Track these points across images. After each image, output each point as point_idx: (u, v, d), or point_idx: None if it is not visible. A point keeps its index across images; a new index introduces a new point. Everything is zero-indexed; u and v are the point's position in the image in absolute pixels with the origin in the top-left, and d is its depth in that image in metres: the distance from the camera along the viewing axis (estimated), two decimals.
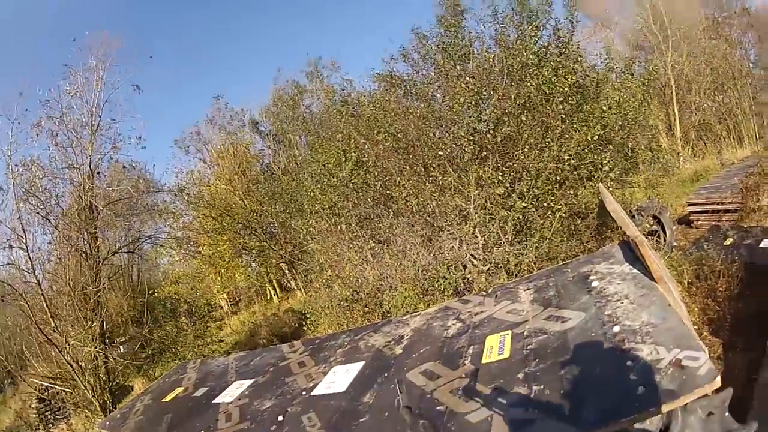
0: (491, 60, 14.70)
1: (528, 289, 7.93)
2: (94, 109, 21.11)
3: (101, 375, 19.40)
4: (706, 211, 17.69)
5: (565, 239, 12.69)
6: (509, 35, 15.61)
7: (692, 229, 17.55)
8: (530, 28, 14.96)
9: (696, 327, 9.15)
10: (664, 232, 14.94)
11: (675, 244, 14.95)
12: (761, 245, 12.31)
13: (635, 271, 6.70)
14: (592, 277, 7.09)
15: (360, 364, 7.90)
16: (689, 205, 18.31)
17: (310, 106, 34.63)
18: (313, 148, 20.68)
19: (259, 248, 30.82)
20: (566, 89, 13.48)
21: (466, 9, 16.59)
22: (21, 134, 19.80)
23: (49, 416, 21.86)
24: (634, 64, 18.07)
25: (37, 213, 20.12)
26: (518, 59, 14.03)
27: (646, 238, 11.57)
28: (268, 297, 36.26)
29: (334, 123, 18.39)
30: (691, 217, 18.07)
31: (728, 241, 13.14)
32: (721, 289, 10.36)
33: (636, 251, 6.83)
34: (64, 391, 19.99)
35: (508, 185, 13.08)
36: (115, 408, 16.63)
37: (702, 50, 36.85)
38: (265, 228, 31.36)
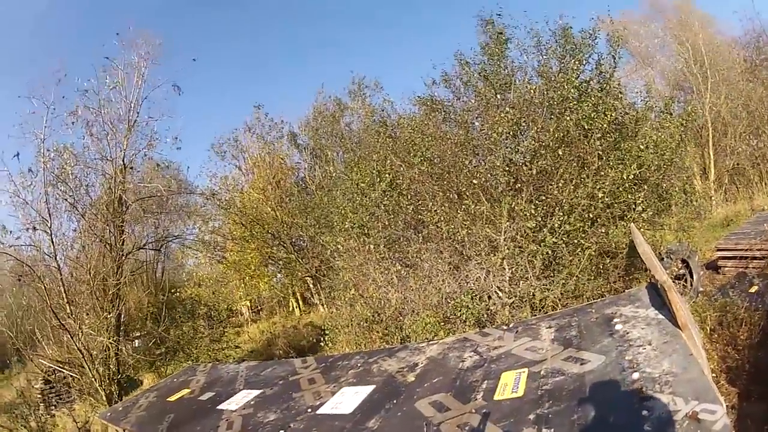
0: (532, 91, 14.52)
1: (549, 327, 7.85)
2: (132, 105, 21.04)
3: (111, 366, 19.34)
4: (734, 258, 17.14)
5: (592, 277, 12.48)
6: (551, 67, 15.50)
7: (719, 275, 16.88)
8: (573, 61, 14.95)
9: (714, 375, 8.89)
10: (692, 277, 14.35)
11: (701, 289, 14.27)
12: None
13: (661, 316, 6.59)
14: (616, 320, 7.00)
15: (370, 388, 7.84)
16: (718, 250, 17.76)
17: (350, 124, 34.53)
18: (348, 165, 20.61)
19: (286, 260, 30.86)
20: (605, 126, 13.41)
21: (510, 38, 16.10)
22: (56, 120, 19.73)
23: (52, 399, 21.94)
24: (673, 103, 17.92)
25: (65, 200, 20.00)
26: (559, 92, 13.93)
27: (674, 281, 11.55)
28: (290, 309, 36.34)
29: (371, 143, 18.40)
30: (719, 263, 17.45)
31: (753, 289, 12.69)
32: (742, 337, 9.96)
33: (663, 296, 6.73)
34: (71, 376, 20.01)
35: (540, 219, 12.93)
36: (121, 400, 16.60)
37: (739, 93, 36.42)
38: (294, 240, 31.44)
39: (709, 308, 11.28)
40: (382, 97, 28.01)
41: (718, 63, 36.66)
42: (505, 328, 8.55)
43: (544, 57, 15.80)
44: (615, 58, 15.69)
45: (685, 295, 13.22)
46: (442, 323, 12.36)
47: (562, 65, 15.27)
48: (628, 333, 6.42)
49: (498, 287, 12.46)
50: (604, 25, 17.23)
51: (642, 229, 13.02)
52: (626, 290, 8.59)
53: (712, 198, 32.41)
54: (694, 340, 5.78)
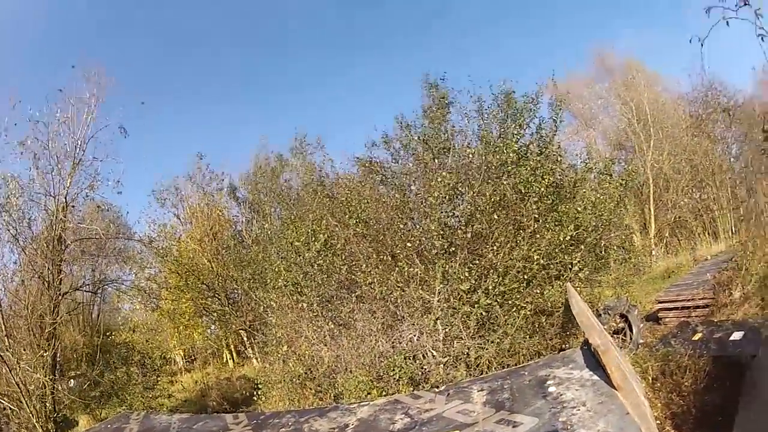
0: (471, 155, 14.75)
1: (481, 390, 7.82)
2: (79, 142, 20.95)
3: (47, 404, 19.03)
4: (676, 308, 17.74)
5: (528, 335, 12.56)
6: (492, 131, 15.68)
7: (660, 326, 17.52)
8: (513, 125, 15.23)
9: (659, 422, 9.06)
10: (631, 330, 14.85)
11: (641, 341, 14.81)
12: (732, 338, 12.28)
13: (595, 377, 6.64)
14: (549, 382, 7.03)
15: None
16: (658, 302, 18.38)
17: (289, 180, 34.65)
18: (285, 223, 20.60)
19: (220, 312, 30.77)
20: (542, 189, 13.53)
21: (453, 102, 16.37)
22: (6, 147, 19.55)
23: None
24: (613, 164, 18.37)
25: (8, 230, 19.89)
26: (498, 156, 14.12)
27: (613, 336, 12.12)
28: (224, 360, 36.14)
29: (308, 201, 18.53)
30: (659, 314, 18.04)
31: (697, 336, 13.11)
32: (686, 383, 10.30)
33: (598, 358, 6.78)
34: (10, 408, 19.54)
35: (474, 281, 12.85)
36: None
37: (683, 148, 37.60)
38: (228, 293, 31.43)
39: (651, 359, 11.88)
40: (323, 155, 29.05)
41: (662, 120, 38.20)
42: (436, 390, 8.66)
43: (485, 121, 15.99)
44: (556, 122, 16.00)
45: (625, 348, 13.71)
46: (375, 382, 12.27)
47: (503, 130, 15.52)
48: (561, 395, 6.46)
49: (432, 347, 12.45)
50: (550, 88, 17.75)
51: (579, 288, 13.15)
52: (561, 350, 8.71)
53: (653, 252, 33.13)
54: (635, 394, 5.93)
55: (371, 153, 16.78)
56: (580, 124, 41.73)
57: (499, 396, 7.24)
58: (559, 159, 15.81)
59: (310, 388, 13.57)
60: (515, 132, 14.97)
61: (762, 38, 5.02)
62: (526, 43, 78.95)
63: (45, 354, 18.87)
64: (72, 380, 24.56)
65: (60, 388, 20.43)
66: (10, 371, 18.32)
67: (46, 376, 18.67)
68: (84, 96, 21.14)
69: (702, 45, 5.30)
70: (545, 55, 73.33)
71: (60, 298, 20.77)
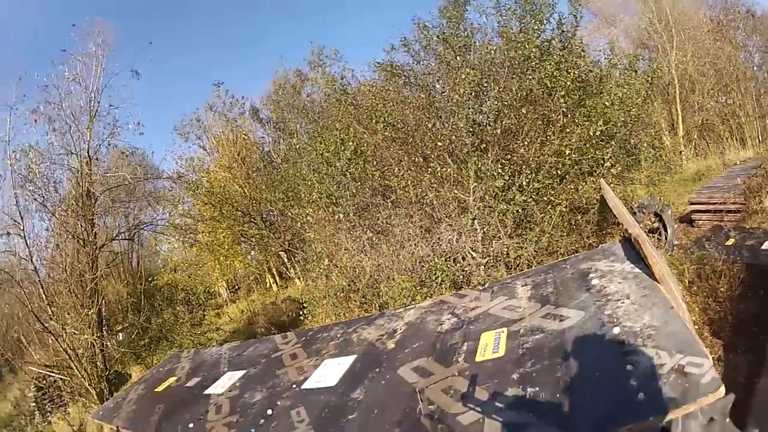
0: (493, 52, 14.54)
1: (525, 285, 7.82)
2: (93, 95, 20.81)
3: (98, 363, 19.16)
4: (708, 211, 17.42)
5: (565, 234, 12.60)
6: (512, 28, 15.29)
7: (694, 228, 17.25)
8: (533, 21, 14.80)
9: (697, 327, 8.94)
10: (666, 230, 14.15)
11: (676, 242, 14.34)
12: (763, 247, 11.90)
13: (637, 270, 6.57)
14: (592, 275, 6.96)
15: (352, 358, 7.77)
16: (691, 203, 18.09)
17: (312, 95, 33.90)
18: (312, 137, 20.49)
19: (258, 236, 30.66)
20: (568, 83, 13.37)
21: (469, 0, 16.03)
22: (19, 120, 19.51)
23: (46, 405, 21.59)
24: (638, 61, 17.78)
25: (35, 199, 19.83)
26: (520, 52, 13.88)
27: (648, 235, 11.60)
28: (267, 285, 36.12)
29: (333, 112, 18.27)
30: (693, 216, 17.77)
31: (730, 242, 12.86)
32: (722, 289, 9.98)
33: (638, 250, 6.73)
34: (61, 378, 19.80)
35: (508, 178, 12.96)
36: (112, 396, 16.46)
37: (706, 51, 36.76)
38: (264, 216, 31.28)
39: (686, 261, 11.42)
40: (342, 66, 28.62)
41: (683, 22, 36.87)
42: (480, 288, 8.60)
43: (504, 18, 15.57)
44: (577, 18, 15.59)
45: (661, 248, 13.31)
46: (419, 287, 12.34)
47: (523, 25, 15.06)
48: (605, 287, 6.41)
49: (471, 248, 12.49)
50: None
51: (612, 185, 13.20)
52: (600, 245, 8.58)
53: (682, 153, 32.74)
54: (674, 293, 5.87)
55: (391, 57, 16.72)
56: (601, 21, 41.21)
57: (543, 290, 7.28)
58: (582, 54, 15.63)
59: (355, 300, 13.67)
60: (536, 27, 14.69)
61: None
62: None
63: (90, 312, 19.09)
64: (120, 333, 24.66)
65: (109, 344, 20.71)
66: (57, 339, 18.58)
67: (93, 335, 18.98)
68: (90, 50, 21.12)
69: None
70: None
71: (97, 252, 20.96)
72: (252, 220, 30.18)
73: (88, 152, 20.68)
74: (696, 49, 36.41)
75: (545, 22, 15.08)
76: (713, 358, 7.67)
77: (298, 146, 22.74)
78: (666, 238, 14.15)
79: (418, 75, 15.85)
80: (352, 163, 14.87)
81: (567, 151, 12.92)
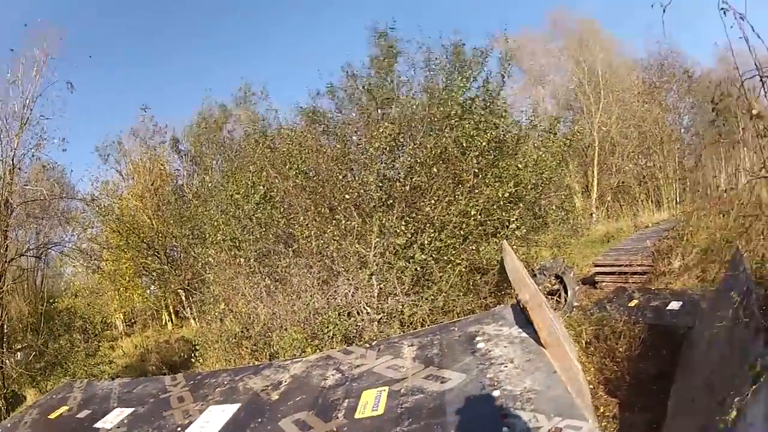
0: (415, 107, 14.80)
1: (412, 345, 7.95)
2: (27, 101, 20.60)
3: None
4: (613, 273, 17.92)
5: (462, 294, 12.68)
6: (438, 83, 15.80)
7: (597, 290, 17.86)
8: (460, 78, 15.11)
9: (592, 386, 9.16)
10: (566, 292, 14.95)
11: (576, 303, 14.95)
12: (669, 307, 12.41)
13: (524, 334, 6.76)
14: (478, 338, 7.15)
15: (236, 406, 7.78)
16: (595, 266, 18.70)
17: (232, 132, 34.10)
18: (225, 175, 20.33)
19: (159, 271, 30.47)
20: (484, 144, 13.59)
21: (401, 52, 16.61)
22: None
23: None
24: (558, 123, 18.52)
25: None
26: (442, 109, 14.04)
27: (547, 297, 12.30)
28: (163, 322, 36.02)
29: (250, 152, 18.29)
30: (596, 278, 18.43)
31: (633, 303, 13.26)
32: (620, 349, 10.27)
33: (527, 315, 6.90)
34: None
35: (410, 236, 12.93)
36: (9, 416, 16.13)
37: (633, 113, 37.98)
38: (168, 251, 31.17)
39: (585, 322, 11.63)
40: (268, 105, 29.46)
41: (613, 84, 38.06)
42: (367, 346, 8.67)
43: (432, 72, 16.14)
44: (504, 77, 15.98)
45: (559, 309, 13.87)
46: (310, 339, 12.34)
47: (449, 82, 15.41)
48: (490, 351, 6.57)
49: (366, 303, 12.34)
50: (501, 42, 17.55)
51: (515, 246, 13.38)
52: (492, 308, 8.67)
53: (593, 215, 33.86)
54: (564, 356, 6.00)
55: (315, 103, 16.96)
56: (530, 81, 42.01)
57: (428, 351, 7.40)
58: (504, 114, 15.88)
59: (246, 347, 13.57)
60: (461, 85, 14.88)
61: (724, 12, 5.15)
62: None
63: None
64: (19, 352, 24.32)
65: (7, 362, 20.25)
66: None
67: None
68: (34, 54, 20.89)
69: (664, 11, 5.51)
70: (500, 8, 72.75)
71: (6, 265, 20.56)
72: (156, 253, 30.08)
73: (12, 160, 20.40)
74: (622, 111, 37.78)
75: (471, 79, 15.42)
76: (608, 416, 8.35)
77: (210, 184, 22.68)
78: (566, 300, 14.75)
79: (337, 124, 16.02)
80: (260, 208, 14.85)
81: (473, 212, 12.93)
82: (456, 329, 7.87)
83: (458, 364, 6.50)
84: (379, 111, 14.84)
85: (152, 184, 32.51)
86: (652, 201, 35.63)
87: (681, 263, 16.66)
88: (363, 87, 15.84)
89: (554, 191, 17.04)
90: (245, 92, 34.63)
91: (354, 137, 15.24)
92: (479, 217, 13.07)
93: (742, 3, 4.99)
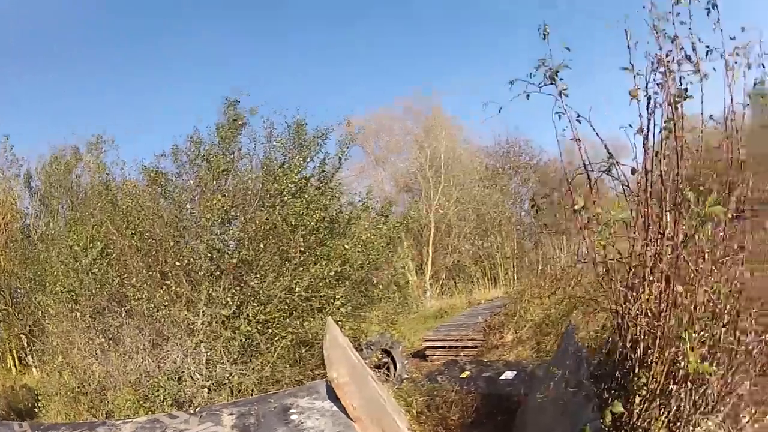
0: (251, 181, 15.07)
1: (231, 414, 8.22)
2: None
3: None
4: (443, 347, 18.48)
5: (289, 365, 13.11)
6: (276, 159, 16.06)
7: (428, 363, 18.06)
8: (298, 157, 15.72)
9: None
10: (395, 366, 15.11)
11: (406, 376, 14.96)
12: (503, 377, 13.03)
13: (335, 408, 7.23)
14: (293, 410, 7.56)
15: None
16: (425, 341, 19.15)
17: (80, 177, 32.92)
18: (68, 224, 20.01)
19: (4, 311, 28.86)
20: (312, 223, 14.08)
21: (245, 124, 16.43)
22: None
23: None
24: (391, 207, 18.96)
25: None
26: (276, 185, 14.67)
27: (375, 370, 12.62)
28: (8, 366, 34.10)
29: (93, 203, 18.14)
30: (427, 352, 18.71)
31: (465, 374, 13.77)
32: (453, 418, 10.85)
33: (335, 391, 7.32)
34: None
35: (236, 308, 13.35)
36: None
37: (473, 197, 39.15)
38: (13, 291, 29.55)
39: (416, 393, 12.23)
40: (117, 156, 29.48)
41: (455, 169, 38.88)
42: (191, 412, 8.94)
43: (272, 149, 16.29)
44: (341, 160, 16.55)
45: (389, 382, 13.88)
46: (143, 401, 12.42)
47: (286, 159, 15.89)
48: (302, 423, 7.07)
49: (195, 370, 12.75)
50: (347, 124, 18.14)
51: (342, 322, 13.79)
52: (307, 384, 9.23)
53: (427, 292, 34.36)
54: (391, 425, 6.79)
55: (159, 163, 16.41)
56: (372, 162, 43.06)
57: (246, 420, 7.72)
58: (336, 196, 16.38)
59: (84, 404, 13.53)
60: (298, 164, 15.54)
61: (559, 116, 5.37)
62: (334, 73, 78.47)
63: None
64: None
65: None
66: None
67: None
68: None
69: (500, 111, 5.38)
70: (352, 86, 74.72)
71: None
72: (1, 292, 28.74)
73: None
74: (462, 195, 38.62)
75: (309, 159, 16.12)
76: None
77: (54, 229, 22.30)
78: (395, 373, 14.75)
79: (175, 189, 16.00)
80: (97, 263, 14.81)
81: (297, 289, 13.43)
82: (272, 401, 8.22)
83: (271, 430, 7.01)
84: (215, 182, 15.02)
85: (2, 218, 30.74)
86: (488, 279, 36.59)
87: (514, 336, 17.36)
88: (203, 156, 15.78)
89: (384, 270, 17.54)
90: (98, 138, 33.74)
91: (188, 205, 15.38)
92: (304, 293, 13.50)
93: (578, 102, 5.36)
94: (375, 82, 78.59)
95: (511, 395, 11.30)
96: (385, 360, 15.18)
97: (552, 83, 5.26)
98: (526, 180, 42.27)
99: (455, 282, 36.77)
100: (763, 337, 4.86)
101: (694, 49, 5.07)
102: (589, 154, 5.27)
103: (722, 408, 4.82)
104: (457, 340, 18.41)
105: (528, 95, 5.32)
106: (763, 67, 5.39)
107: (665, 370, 4.75)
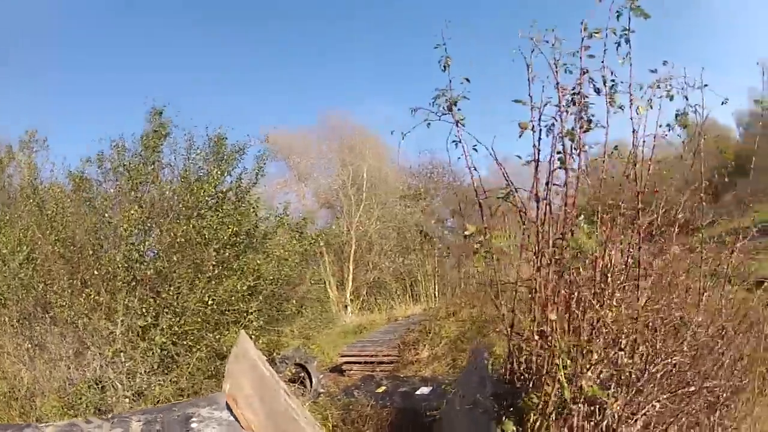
0: (168, 192, 15.48)
1: (139, 421, 8.66)
2: None
3: None
4: (359, 362, 19.04)
5: (207, 377, 13.56)
6: (195, 172, 16.28)
7: (345, 377, 18.59)
8: (216, 171, 15.96)
9: None
10: (311, 380, 15.71)
11: (322, 390, 15.77)
12: (419, 392, 13.56)
13: (231, 418, 7.39)
14: (193, 419, 7.72)
15: None
16: (342, 356, 19.73)
17: (11, 177, 30.29)
18: None
19: None
20: (225, 238, 14.51)
21: (169, 134, 16.53)
22: None
23: None
24: (307, 224, 19.23)
25: None
26: (193, 198, 14.95)
27: (289, 384, 12.67)
28: None
29: (21, 205, 17.81)
30: (344, 367, 19.21)
31: (381, 389, 14.37)
32: (368, 431, 11.43)
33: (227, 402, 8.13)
34: None
35: (151, 319, 13.66)
36: None
37: (394, 216, 40.01)
38: None
39: (332, 407, 13.01)
40: (46, 157, 29.32)
41: (378, 187, 39.74)
42: (104, 418, 9.49)
43: (191, 161, 16.47)
44: (257, 175, 16.96)
45: (304, 396, 14.55)
46: (68, 409, 12.58)
47: (204, 172, 16.13)
48: (201, 431, 7.31)
49: (115, 379, 12.91)
50: (270, 138, 18.83)
51: (256, 335, 14.24)
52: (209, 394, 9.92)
53: (348, 307, 34.84)
54: None
55: (84, 169, 16.47)
56: (295, 177, 43.45)
57: (152, 427, 7.71)
58: (252, 210, 16.62)
59: (15, 409, 13.37)
60: (216, 177, 15.69)
61: (455, 144, 5.58)
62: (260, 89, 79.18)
63: None
64: None
65: None
66: None
67: None
68: None
69: (402, 138, 5.73)
70: (279, 103, 75.98)
71: None
72: None
73: None
74: (383, 213, 39.45)
75: (227, 174, 16.38)
76: None
77: None
78: (310, 387, 15.49)
79: (97, 196, 16.05)
80: (23, 268, 14.78)
81: (209, 302, 13.85)
82: (177, 410, 8.22)
83: None
84: (132, 192, 15.02)
85: None
86: (409, 295, 37.13)
87: (430, 352, 17.87)
88: (123, 165, 15.74)
89: (301, 285, 18.21)
90: (31, 136, 33.49)
91: (107, 214, 15.28)
92: (217, 306, 13.95)
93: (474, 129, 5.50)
94: (301, 100, 79.45)
95: (425, 410, 11.11)
96: (302, 374, 15.77)
97: (449, 113, 5.53)
98: (448, 201, 43.03)
99: (376, 298, 37.20)
100: (669, 360, 5.30)
101: (604, 83, 5.39)
102: (515, 179, 5.53)
103: (624, 429, 5.06)
104: (372, 355, 18.97)
105: (429, 123, 5.59)
106: (686, 99, 5.83)
107: (556, 391, 4.90)
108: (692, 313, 5.69)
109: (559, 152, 5.39)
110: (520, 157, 5.48)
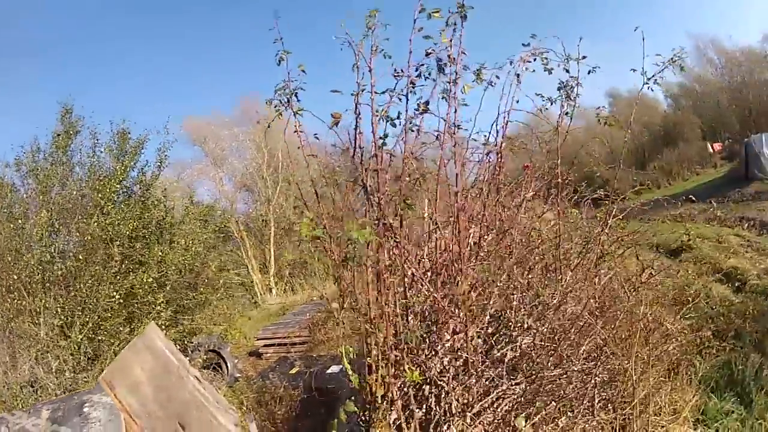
0: (75, 191, 15.90)
1: (48, 410, 9.11)
2: None
3: None
4: (275, 344, 19.33)
5: None
6: (102, 170, 16.82)
7: (262, 361, 18.97)
8: (120, 167, 16.80)
9: None
10: (227, 366, 16.34)
11: (239, 375, 16.29)
12: (328, 371, 13.54)
13: (110, 401, 8.34)
14: (86, 404, 8.47)
15: None
16: (257, 339, 20.33)
17: None
18: None
19: None
20: (127, 232, 15.28)
21: (80, 131, 17.02)
22: None
23: None
24: (211, 213, 20.41)
25: None
26: (99, 195, 15.64)
27: (202, 371, 13.71)
28: None
29: None
30: (261, 350, 19.60)
31: (294, 370, 13.53)
32: (280, 412, 11.93)
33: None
34: None
35: (66, 318, 14.34)
36: None
37: (312, 196, 39.67)
38: None
39: (248, 390, 13.73)
40: None
41: (294, 169, 40.25)
42: (24, 410, 10.44)
43: (97, 159, 16.97)
44: (160, 167, 17.75)
45: (221, 381, 15.53)
46: (9, 411, 11.73)
47: (108, 168, 16.85)
48: (89, 414, 8.10)
49: (45, 378, 13.44)
50: (187, 127, 19.15)
51: (167, 325, 15.33)
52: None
53: (273, 290, 35.87)
54: (206, 419, 7.93)
55: (3, 173, 16.62)
56: (211, 163, 43.45)
57: (56, 414, 8.25)
58: (158, 202, 17.34)
59: None
60: (120, 172, 16.44)
61: (298, 134, 5.82)
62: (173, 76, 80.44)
63: None
64: None
65: None
66: None
67: None
68: None
69: (268, 126, 6.16)
70: (192, 89, 77.48)
71: None
72: None
73: None
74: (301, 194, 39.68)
75: (129, 168, 17.21)
76: None
77: None
78: (226, 372, 16.29)
79: (15, 203, 16.25)
80: None
81: (116, 296, 14.48)
82: (76, 398, 8.88)
83: (70, 422, 7.98)
84: (42, 196, 15.49)
85: None
86: (329, 274, 36.95)
87: (343, 330, 18.68)
88: (30, 170, 16.10)
89: (212, 272, 19.08)
90: None
91: (20, 219, 15.40)
92: (123, 300, 14.85)
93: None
94: (216, 85, 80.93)
95: (333, 389, 11.52)
96: (217, 360, 16.47)
97: (288, 106, 5.69)
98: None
99: (299, 279, 37.10)
100: (517, 344, 5.64)
101: (446, 63, 5.55)
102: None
103: (479, 410, 5.33)
104: (285, 337, 19.03)
105: (280, 113, 5.79)
106: (567, 71, 6.33)
107: (389, 374, 5.25)
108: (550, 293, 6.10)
109: (381, 138, 5.64)
110: (334, 146, 5.87)
